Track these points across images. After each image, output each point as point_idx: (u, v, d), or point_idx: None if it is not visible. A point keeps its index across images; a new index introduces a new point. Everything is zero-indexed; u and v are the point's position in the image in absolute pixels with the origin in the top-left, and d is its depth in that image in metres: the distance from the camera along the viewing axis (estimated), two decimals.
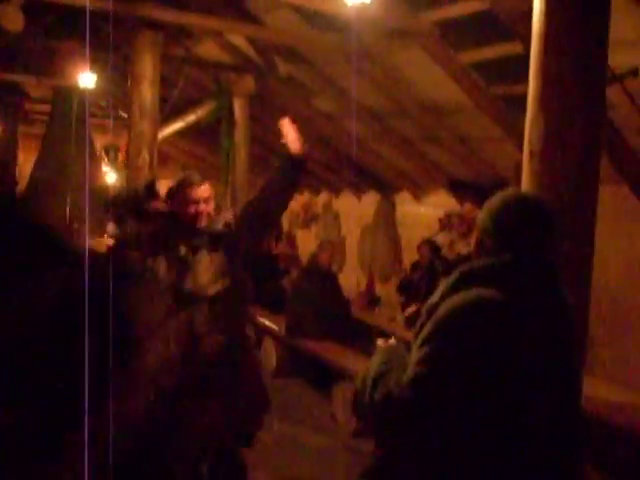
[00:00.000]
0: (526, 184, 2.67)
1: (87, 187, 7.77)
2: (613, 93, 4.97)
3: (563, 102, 2.60)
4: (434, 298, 2.09)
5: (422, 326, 2.02)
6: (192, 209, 3.61)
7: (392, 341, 2.30)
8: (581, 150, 2.60)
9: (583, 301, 2.54)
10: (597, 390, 4.80)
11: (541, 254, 2.00)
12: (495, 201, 2.08)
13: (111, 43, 6.33)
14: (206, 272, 3.61)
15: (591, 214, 2.63)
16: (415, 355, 1.98)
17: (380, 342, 2.31)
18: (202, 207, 3.69)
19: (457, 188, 3.92)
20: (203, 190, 3.71)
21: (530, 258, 1.98)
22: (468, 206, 3.43)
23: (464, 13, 5.17)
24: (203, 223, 3.67)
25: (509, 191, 2.13)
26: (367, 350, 7.17)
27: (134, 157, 5.55)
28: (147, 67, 5.57)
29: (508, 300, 1.92)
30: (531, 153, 2.66)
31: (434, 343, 1.93)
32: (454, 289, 2.03)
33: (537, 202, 2.08)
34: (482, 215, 2.11)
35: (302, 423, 6.25)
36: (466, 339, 1.90)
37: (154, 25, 5.51)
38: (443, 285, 2.09)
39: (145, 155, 5.54)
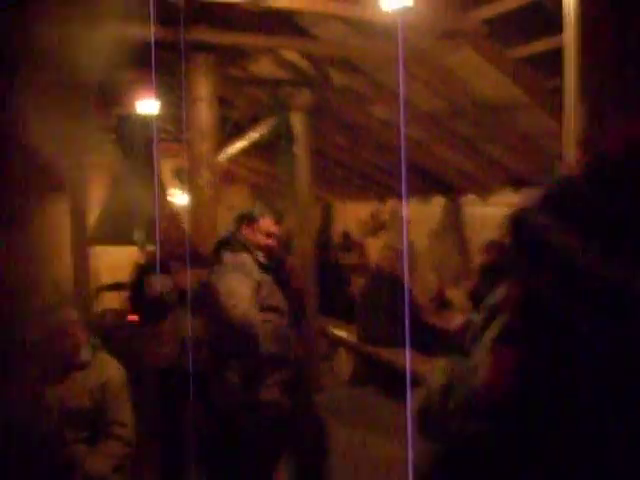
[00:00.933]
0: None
1: (157, 214, 7.93)
2: None
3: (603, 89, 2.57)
4: (498, 295, 2.05)
5: (484, 328, 2.00)
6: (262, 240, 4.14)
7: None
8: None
9: None
10: None
11: None
12: None
13: (183, 71, 6.50)
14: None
15: None
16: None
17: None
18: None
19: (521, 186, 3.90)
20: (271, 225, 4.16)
21: None
22: None
23: (512, 7, 5.13)
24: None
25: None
26: (440, 356, 7.14)
27: (195, 178, 5.67)
28: (203, 89, 5.70)
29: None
30: (578, 143, 2.64)
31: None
32: None
33: None
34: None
35: (376, 431, 6.26)
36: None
37: (206, 48, 5.63)
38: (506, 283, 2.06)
39: (206, 175, 5.64)
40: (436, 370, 2.20)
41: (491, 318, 1.96)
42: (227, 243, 4.12)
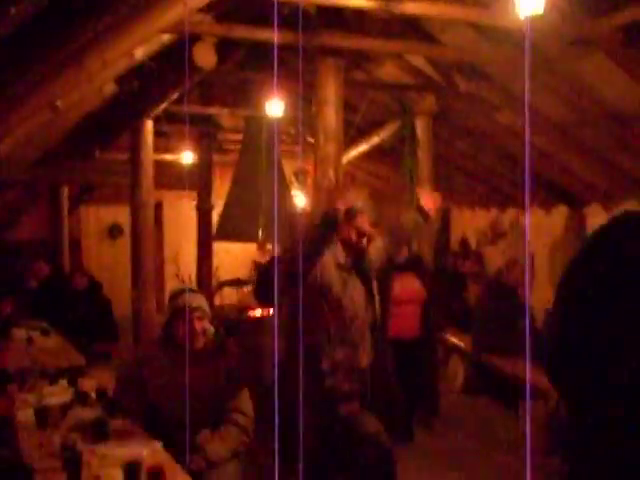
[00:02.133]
0: None
1: (276, 210, 8.12)
2: None
3: None
4: None
5: None
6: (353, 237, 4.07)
7: None
8: None
9: None
10: None
11: None
12: None
13: (300, 73, 6.66)
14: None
15: None
16: None
17: None
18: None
19: None
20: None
21: None
22: None
23: None
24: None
25: None
26: None
27: (320, 179, 5.78)
28: (330, 92, 5.80)
29: None
30: None
31: None
32: None
33: None
34: None
35: (489, 440, 6.21)
36: None
37: (336, 52, 5.74)
38: None
39: (331, 176, 5.75)
40: None
41: None
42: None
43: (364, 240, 4.11)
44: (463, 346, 8.10)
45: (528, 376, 6.27)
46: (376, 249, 4.30)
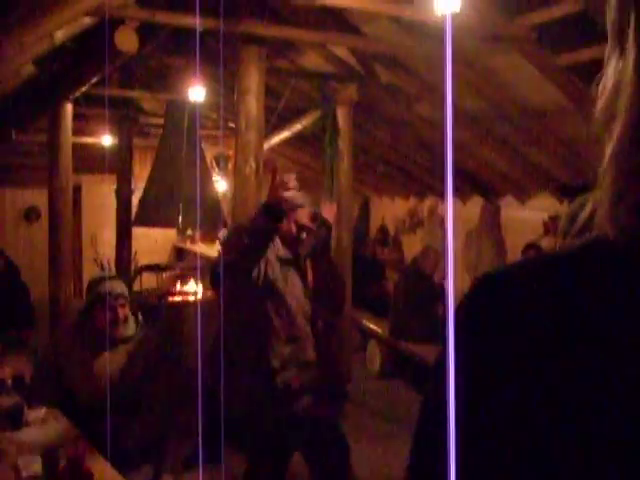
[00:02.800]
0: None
1: (198, 195, 8.12)
2: None
3: None
4: None
5: None
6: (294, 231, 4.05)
7: None
8: None
9: None
10: None
11: None
12: (575, 207, 2.16)
13: (221, 59, 6.66)
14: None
15: None
16: None
17: None
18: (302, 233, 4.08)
19: (567, 194, 3.96)
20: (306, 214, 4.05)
21: None
22: None
23: (559, 15, 5.20)
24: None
25: (587, 196, 2.20)
26: None
27: (241, 166, 5.80)
28: (252, 80, 5.82)
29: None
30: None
31: None
32: None
33: None
34: (562, 222, 2.19)
35: (403, 423, 6.38)
36: None
37: (259, 40, 5.76)
38: None
39: (252, 164, 5.78)
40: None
41: None
42: None
43: (303, 234, 4.08)
44: (380, 332, 8.26)
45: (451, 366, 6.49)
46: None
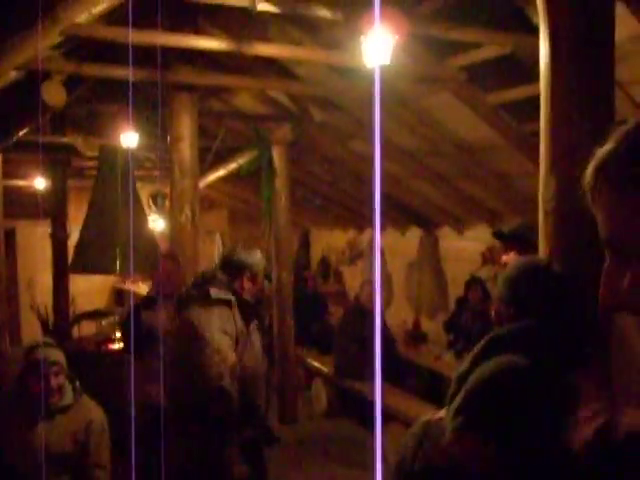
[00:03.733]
0: (542, 244, 2.75)
1: (133, 238, 7.99)
2: None
3: (573, 161, 2.69)
4: (463, 367, 2.17)
5: (453, 396, 2.10)
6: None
7: (437, 415, 2.37)
8: None
9: None
10: None
11: (562, 319, 2.06)
12: (510, 271, 2.19)
13: (155, 104, 6.60)
14: None
15: None
16: (450, 425, 2.06)
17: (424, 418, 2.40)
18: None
19: (501, 238, 4.06)
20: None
21: (554, 322, 2.04)
22: (512, 255, 3.62)
23: (488, 57, 5.30)
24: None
25: (522, 260, 2.24)
26: (415, 390, 7.28)
27: (177, 214, 5.75)
28: (185, 127, 5.79)
29: (539, 366, 1.99)
30: (546, 212, 2.75)
31: (468, 412, 2.02)
32: (483, 357, 2.11)
33: (548, 269, 2.17)
34: (499, 285, 2.21)
35: (352, 463, 6.34)
36: (499, 408, 1.97)
37: (190, 87, 5.73)
38: (472, 354, 2.17)
39: (187, 212, 5.73)
40: (412, 430, 2.30)
41: (457, 389, 2.07)
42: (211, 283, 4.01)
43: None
44: (325, 370, 8.21)
45: (378, 399, 6.47)
46: None
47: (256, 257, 4.15)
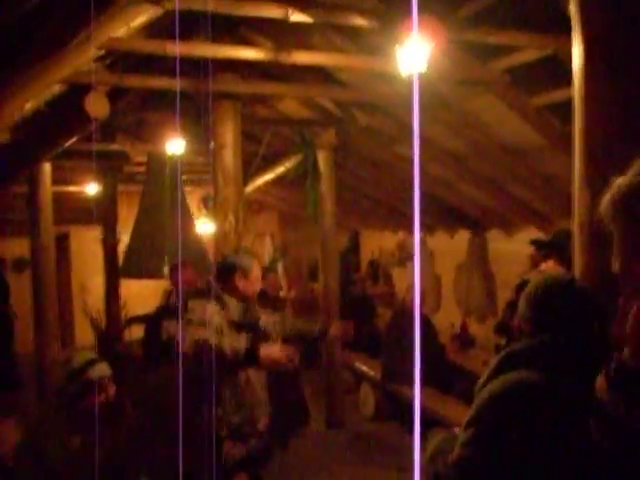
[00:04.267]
0: (577, 256, 2.71)
1: (180, 244, 8.07)
2: None
3: (606, 176, 2.63)
4: (482, 380, 2.16)
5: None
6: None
7: (455, 430, 2.36)
8: None
9: None
10: None
11: (581, 335, 2.03)
12: (530, 288, 2.16)
13: (204, 112, 6.66)
14: None
15: None
16: (461, 436, 2.05)
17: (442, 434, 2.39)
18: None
19: (539, 247, 4.02)
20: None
21: (569, 339, 2.02)
22: (551, 263, 3.58)
23: (530, 59, 5.23)
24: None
25: (543, 277, 2.21)
26: (463, 395, 7.20)
27: (220, 222, 5.80)
28: (228, 135, 5.83)
29: (550, 383, 1.96)
30: (580, 225, 2.70)
31: (477, 426, 2.00)
32: (498, 371, 2.09)
33: (569, 287, 2.14)
34: (521, 303, 2.19)
35: (398, 467, 6.31)
36: (507, 424, 1.95)
37: (233, 96, 5.77)
38: (488, 367, 2.16)
39: (231, 219, 5.77)
40: (433, 439, 2.30)
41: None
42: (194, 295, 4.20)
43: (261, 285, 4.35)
44: (373, 374, 8.20)
45: (417, 404, 6.43)
46: None
47: (245, 258, 4.26)
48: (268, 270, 8.21)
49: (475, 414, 2.05)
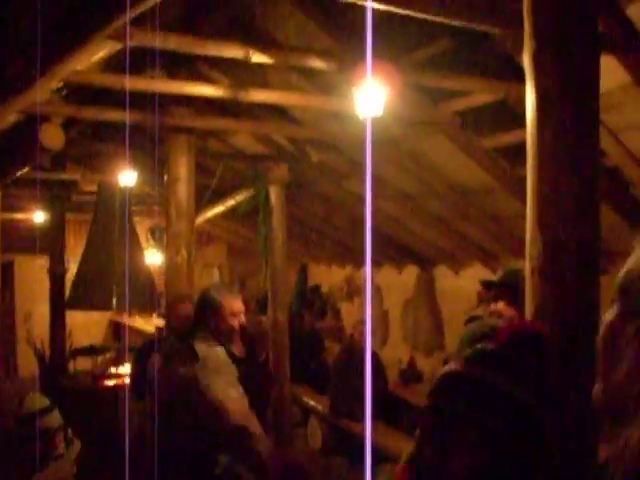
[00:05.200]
0: (529, 300, 2.78)
1: (128, 275, 8.01)
2: (632, 170, 5.18)
3: (559, 218, 2.73)
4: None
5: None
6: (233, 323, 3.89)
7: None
8: (580, 266, 2.71)
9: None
10: None
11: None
12: (464, 332, 2.26)
13: (157, 145, 6.65)
14: None
15: (595, 321, 2.70)
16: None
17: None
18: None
19: (488, 288, 4.10)
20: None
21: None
22: (501, 305, 3.65)
23: (481, 103, 5.38)
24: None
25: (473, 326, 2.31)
26: (411, 430, 7.24)
27: (172, 256, 5.79)
28: (181, 168, 5.85)
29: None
30: (532, 270, 2.78)
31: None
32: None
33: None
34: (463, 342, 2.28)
35: None
36: None
37: (187, 130, 5.80)
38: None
39: (183, 253, 5.77)
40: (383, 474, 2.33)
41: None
42: (195, 335, 3.84)
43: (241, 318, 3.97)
44: (320, 408, 8.20)
45: (368, 439, 6.46)
46: None
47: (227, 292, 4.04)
48: None
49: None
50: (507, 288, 3.60)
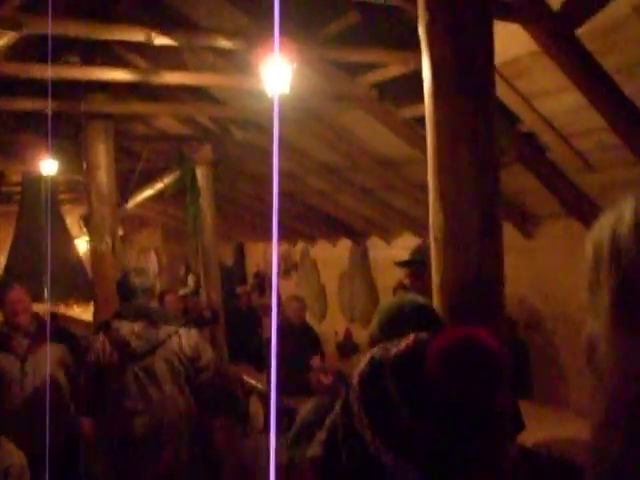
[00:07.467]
0: (435, 271, 2.83)
1: (57, 266, 7.92)
2: (548, 136, 5.27)
3: (459, 187, 2.78)
4: None
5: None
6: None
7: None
8: (481, 233, 2.77)
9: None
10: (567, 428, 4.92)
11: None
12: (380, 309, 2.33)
13: (76, 132, 6.55)
14: None
15: (498, 293, 2.77)
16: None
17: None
18: None
19: (402, 266, 4.16)
20: None
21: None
22: (410, 280, 3.72)
23: (395, 75, 5.41)
24: None
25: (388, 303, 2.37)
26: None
27: (97, 243, 5.73)
28: (101, 155, 5.78)
29: None
30: (435, 239, 2.84)
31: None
32: None
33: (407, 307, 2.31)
34: (372, 322, 2.33)
35: None
36: None
37: (105, 116, 5.72)
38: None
39: (107, 240, 5.72)
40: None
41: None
42: None
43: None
44: (260, 386, 8.22)
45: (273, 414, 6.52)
46: None
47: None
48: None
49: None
50: (416, 264, 3.69)
